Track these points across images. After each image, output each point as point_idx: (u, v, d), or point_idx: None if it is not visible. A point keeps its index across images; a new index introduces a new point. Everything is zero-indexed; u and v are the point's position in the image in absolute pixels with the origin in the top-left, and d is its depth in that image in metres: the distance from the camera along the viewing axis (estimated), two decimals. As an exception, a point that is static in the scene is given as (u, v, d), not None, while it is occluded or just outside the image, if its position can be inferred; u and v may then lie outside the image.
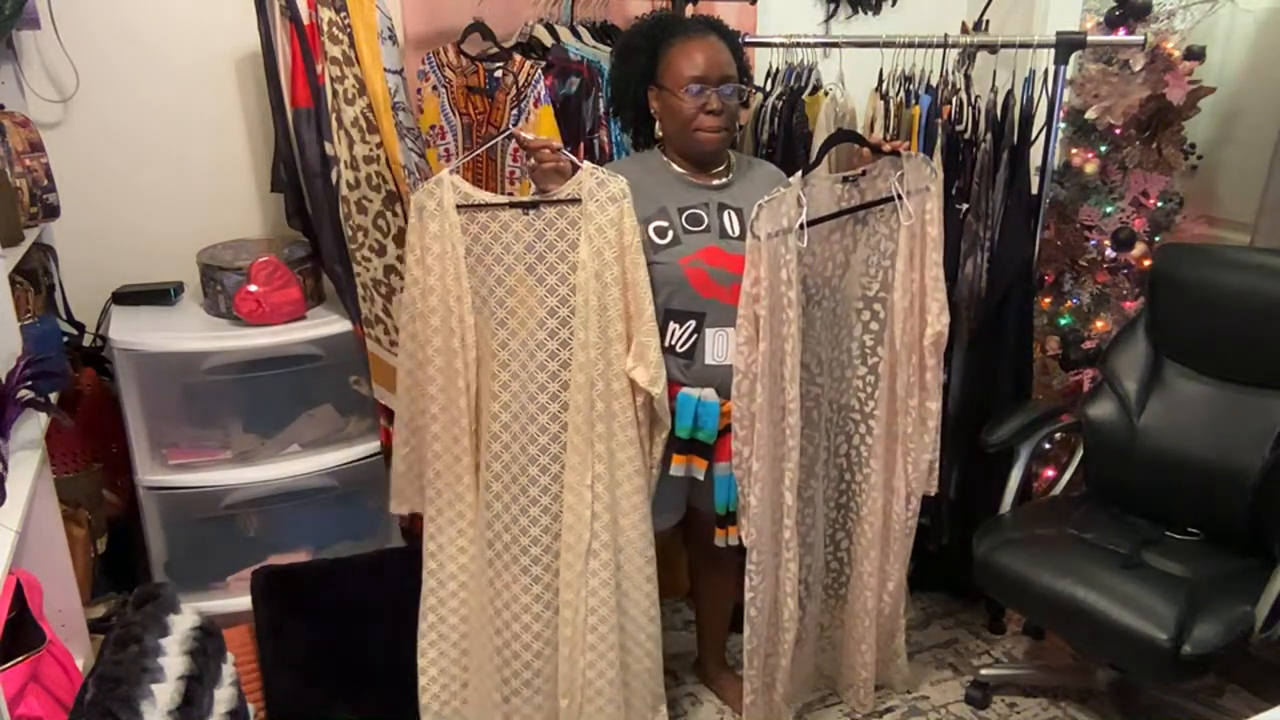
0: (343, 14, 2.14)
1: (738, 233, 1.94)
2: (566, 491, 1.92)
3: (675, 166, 1.98)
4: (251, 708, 1.93)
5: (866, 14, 3.08)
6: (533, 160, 1.86)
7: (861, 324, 2.10)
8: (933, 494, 2.20)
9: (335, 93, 2.15)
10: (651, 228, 1.92)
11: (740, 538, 1.95)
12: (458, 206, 1.84)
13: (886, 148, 1.97)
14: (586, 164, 1.85)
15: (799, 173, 1.85)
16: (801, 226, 1.84)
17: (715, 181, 1.98)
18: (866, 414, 2.13)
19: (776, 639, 2.08)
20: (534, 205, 1.86)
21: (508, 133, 1.96)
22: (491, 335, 1.91)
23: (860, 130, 2.47)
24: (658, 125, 2.03)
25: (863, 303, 2.09)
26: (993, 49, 2.46)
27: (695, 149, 1.95)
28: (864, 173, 1.98)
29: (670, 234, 1.92)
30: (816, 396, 2.05)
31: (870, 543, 2.17)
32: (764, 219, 1.77)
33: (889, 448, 2.14)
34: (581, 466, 1.89)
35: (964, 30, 2.72)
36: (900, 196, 1.98)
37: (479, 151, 2.31)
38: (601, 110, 2.30)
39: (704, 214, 1.94)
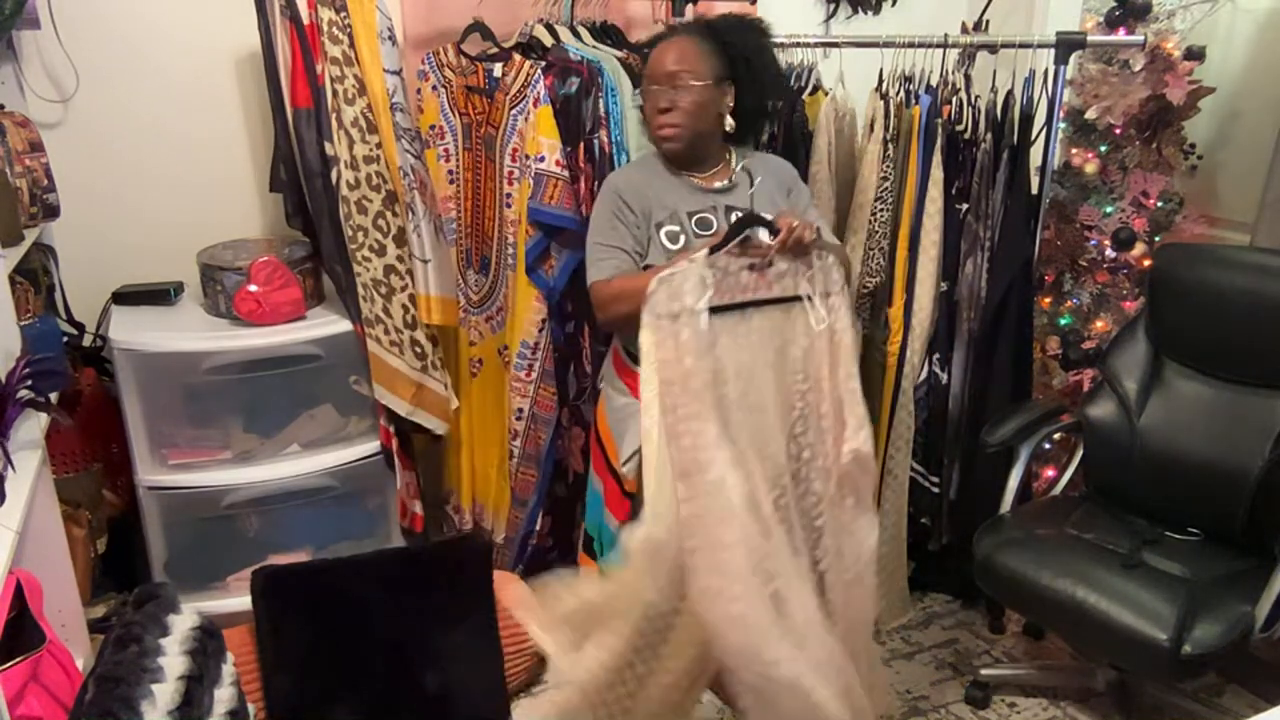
0: (343, 14, 2.14)
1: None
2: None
3: (673, 169, 1.97)
4: (251, 708, 1.93)
5: (866, 14, 3.08)
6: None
7: (790, 425, 1.86)
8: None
9: (335, 93, 2.15)
10: (663, 232, 1.91)
11: None
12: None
13: (804, 239, 1.75)
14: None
15: (704, 250, 1.71)
16: (706, 311, 1.69)
17: (717, 184, 1.97)
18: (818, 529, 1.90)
19: None
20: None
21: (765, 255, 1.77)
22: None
23: (860, 131, 2.48)
24: None
25: (788, 405, 1.85)
26: (993, 49, 2.46)
27: (660, 147, 1.96)
28: (770, 262, 1.77)
29: (681, 239, 1.91)
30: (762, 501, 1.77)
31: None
32: (661, 297, 1.66)
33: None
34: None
35: (964, 30, 2.72)
36: (810, 298, 1.80)
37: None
38: (602, 110, 2.30)
39: (713, 218, 1.93)
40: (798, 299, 1.80)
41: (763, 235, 1.75)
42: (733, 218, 1.92)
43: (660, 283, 1.67)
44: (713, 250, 1.72)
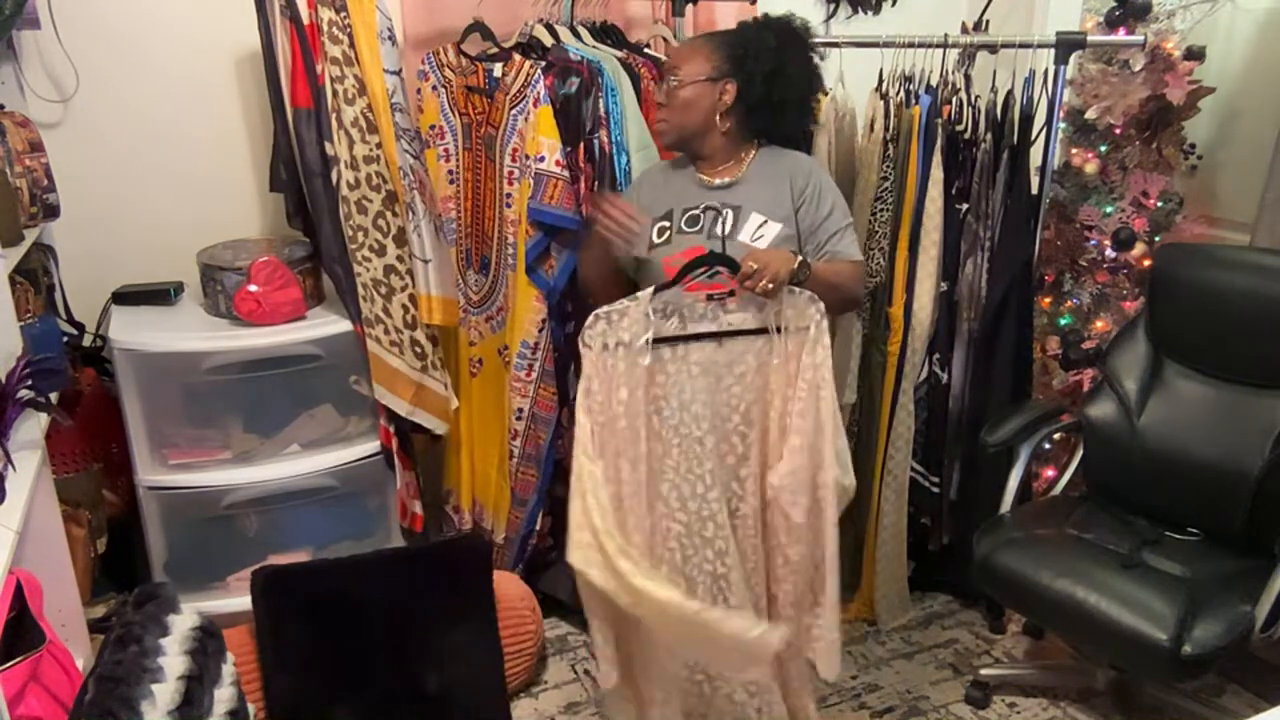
0: (343, 14, 2.14)
1: (728, 231, 1.93)
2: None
3: (686, 164, 2.03)
4: (251, 708, 1.93)
5: (866, 14, 3.08)
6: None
7: (726, 458, 1.86)
8: (833, 678, 1.96)
9: (335, 93, 2.14)
10: (655, 228, 1.96)
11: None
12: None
13: (756, 289, 1.73)
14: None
15: (650, 289, 1.75)
16: (647, 343, 1.72)
17: (718, 180, 1.98)
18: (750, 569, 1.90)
19: None
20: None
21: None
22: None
23: (860, 131, 2.48)
24: None
25: (724, 436, 1.85)
26: (993, 49, 2.46)
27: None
28: (732, 293, 1.78)
29: (667, 234, 1.96)
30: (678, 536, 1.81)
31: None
32: (596, 330, 1.71)
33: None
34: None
35: (964, 30, 2.72)
36: (777, 330, 1.78)
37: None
38: (602, 110, 2.30)
39: (702, 216, 1.95)
40: (764, 332, 1.81)
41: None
42: (725, 214, 1.94)
43: (597, 318, 1.72)
44: (659, 289, 1.76)
